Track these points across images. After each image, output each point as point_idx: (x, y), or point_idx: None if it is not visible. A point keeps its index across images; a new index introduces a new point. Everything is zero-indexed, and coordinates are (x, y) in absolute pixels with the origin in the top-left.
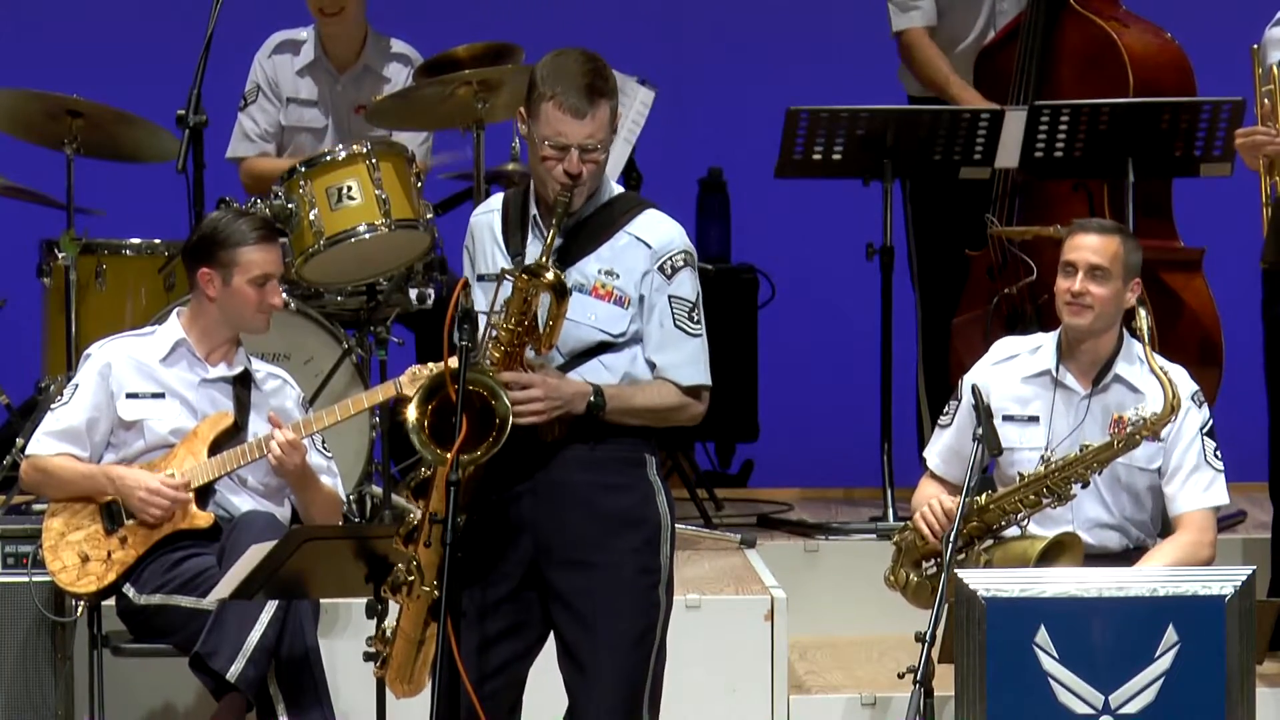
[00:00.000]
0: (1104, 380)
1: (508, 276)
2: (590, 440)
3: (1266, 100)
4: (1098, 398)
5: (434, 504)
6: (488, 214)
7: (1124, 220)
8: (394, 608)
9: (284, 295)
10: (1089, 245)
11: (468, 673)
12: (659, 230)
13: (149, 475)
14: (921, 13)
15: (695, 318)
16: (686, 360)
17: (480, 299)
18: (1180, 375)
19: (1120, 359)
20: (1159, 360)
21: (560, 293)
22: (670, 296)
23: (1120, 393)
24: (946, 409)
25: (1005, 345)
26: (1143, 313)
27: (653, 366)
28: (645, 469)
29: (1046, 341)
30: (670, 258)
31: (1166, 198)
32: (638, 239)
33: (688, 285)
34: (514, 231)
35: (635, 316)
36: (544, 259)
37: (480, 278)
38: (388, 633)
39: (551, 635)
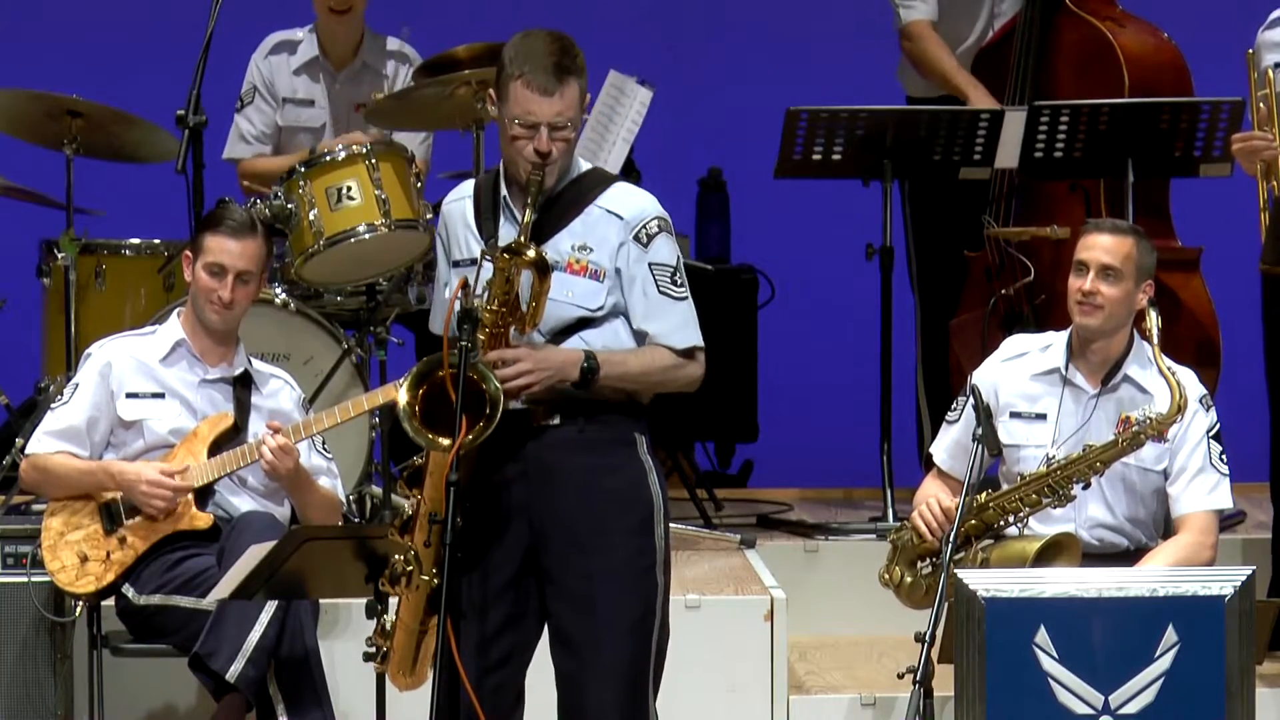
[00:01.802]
0: (1113, 380)
1: (488, 258)
2: (580, 421)
3: (1262, 105)
4: (1106, 397)
5: (429, 495)
6: (459, 200)
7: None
8: (392, 600)
9: (237, 293)
10: (1102, 245)
11: (470, 669)
12: (630, 201)
13: (149, 467)
14: (926, 6)
15: (679, 281)
16: (677, 325)
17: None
18: (1189, 378)
19: (1131, 360)
20: (1167, 362)
21: (542, 269)
22: (650, 264)
23: (1129, 393)
24: (954, 405)
25: (1015, 342)
26: (1153, 314)
27: (644, 337)
28: (636, 448)
29: (1057, 340)
30: (644, 225)
31: (1164, 197)
32: (609, 212)
33: (666, 250)
34: (486, 215)
35: (613, 289)
36: (522, 237)
37: (455, 264)
38: (387, 625)
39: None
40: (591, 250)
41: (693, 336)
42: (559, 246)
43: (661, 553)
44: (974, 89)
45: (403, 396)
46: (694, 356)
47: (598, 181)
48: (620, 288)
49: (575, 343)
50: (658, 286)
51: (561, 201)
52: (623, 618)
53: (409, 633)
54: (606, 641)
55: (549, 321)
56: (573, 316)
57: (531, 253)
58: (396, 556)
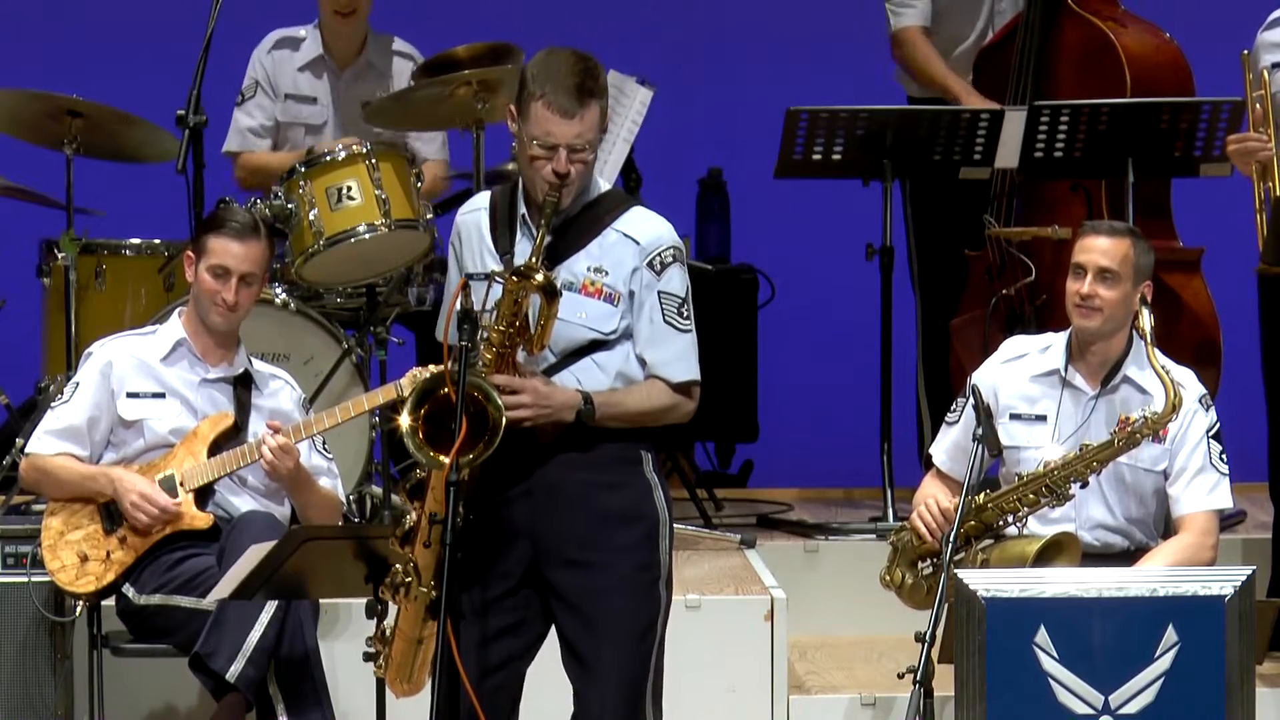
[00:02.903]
0: (1113, 381)
1: (497, 279)
2: (585, 440)
3: (1258, 105)
4: (1105, 398)
5: (431, 506)
6: (474, 213)
7: (1123, 220)
8: (392, 608)
9: (241, 295)
10: (1099, 248)
11: (468, 669)
12: (647, 227)
13: (145, 480)
14: (916, 12)
15: (685, 313)
16: (676, 356)
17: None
18: (1188, 378)
19: (1130, 360)
20: (1162, 360)
21: (550, 294)
22: (660, 293)
23: (1128, 394)
24: (954, 406)
25: (1015, 344)
26: (1145, 312)
27: (643, 363)
28: (641, 466)
29: (1056, 341)
30: (659, 254)
31: (1165, 198)
32: (626, 235)
33: (677, 281)
34: (502, 230)
35: (626, 313)
36: (533, 260)
37: (469, 276)
38: (386, 632)
39: (553, 632)
40: (607, 274)
41: (690, 370)
42: (575, 268)
43: (665, 568)
44: (966, 94)
45: (405, 420)
46: (689, 392)
47: (615, 204)
48: (631, 311)
49: (587, 365)
50: (664, 316)
51: (579, 223)
52: (625, 633)
53: (407, 642)
54: (608, 655)
55: (561, 342)
56: (585, 339)
57: (539, 277)
58: (396, 567)
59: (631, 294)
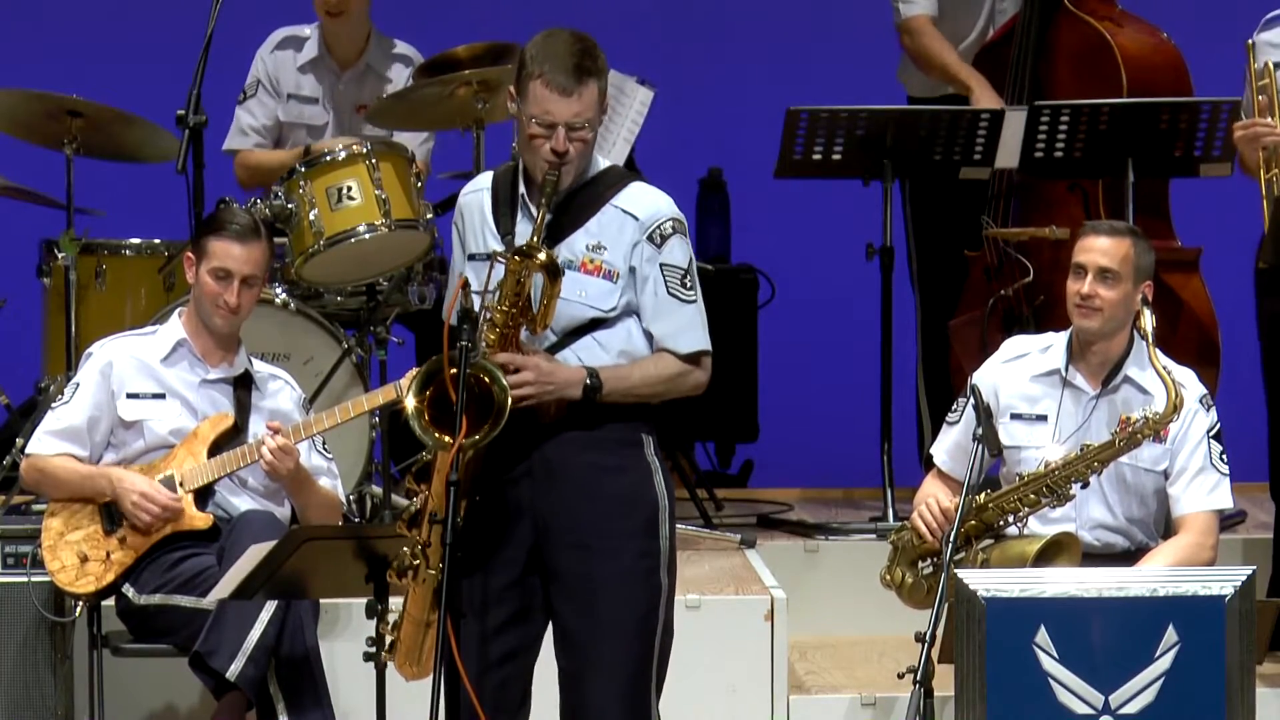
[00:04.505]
0: (1113, 381)
1: (500, 259)
2: (588, 421)
3: (1262, 96)
4: (1106, 398)
5: (436, 492)
6: (477, 192)
7: (1122, 220)
8: (395, 596)
9: (243, 296)
10: (1099, 248)
11: (474, 663)
12: (645, 201)
13: (144, 480)
14: (925, 1)
15: (689, 284)
16: (683, 327)
17: (471, 278)
18: (1188, 378)
19: (1131, 361)
20: (1163, 360)
21: (553, 273)
22: (662, 265)
23: (1129, 394)
24: (955, 406)
25: (1015, 344)
26: (1147, 312)
27: (650, 337)
28: (643, 449)
29: (1057, 341)
30: (659, 226)
31: (1164, 197)
32: (624, 211)
33: (678, 252)
34: (503, 210)
35: (626, 289)
36: (535, 239)
37: (471, 257)
38: (394, 617)
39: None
40: (606, 250)
41: (698, 340)
42: (574, 246)
43: (666, 554)
44: (977, 82)
45: (410, 402)
46: (699, 362)
47: (614, 180)
48: (634, 287)
49: (588, 343)
50: (667, 288)
51: (578, 200)
52: (625, 619)
53: (416, 625)
54: (608, 642)
55: (561, 321)
56: (585, 317)
57: (542, 256)
58: (404, 550)
59: (633, 270)
